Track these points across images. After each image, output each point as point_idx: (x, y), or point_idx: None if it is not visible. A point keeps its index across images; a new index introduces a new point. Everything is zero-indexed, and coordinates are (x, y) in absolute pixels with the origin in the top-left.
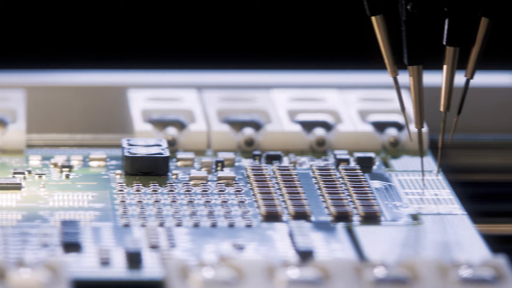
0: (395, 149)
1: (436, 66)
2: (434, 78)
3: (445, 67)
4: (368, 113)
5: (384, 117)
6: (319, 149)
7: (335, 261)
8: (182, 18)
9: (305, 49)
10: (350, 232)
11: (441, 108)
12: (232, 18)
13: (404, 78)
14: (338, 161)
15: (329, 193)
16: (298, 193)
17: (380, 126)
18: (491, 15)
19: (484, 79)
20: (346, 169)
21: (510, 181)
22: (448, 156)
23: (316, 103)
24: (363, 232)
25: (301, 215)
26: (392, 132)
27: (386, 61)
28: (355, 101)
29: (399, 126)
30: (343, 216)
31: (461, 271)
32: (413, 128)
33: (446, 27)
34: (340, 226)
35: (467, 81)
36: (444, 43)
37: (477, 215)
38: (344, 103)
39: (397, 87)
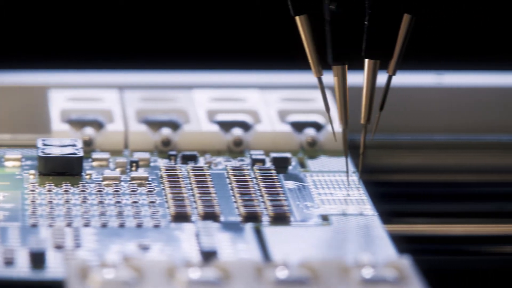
0: (312, 149)
1: (360, 65)
2: (358, 78)
3: (365, 79)
4: (288, 113)
5: (304, 117)
6: (236, 149)
7: (237, 261)
8: (106, 18)
9: (228, 49)
10: (258, 232)
11: (361, 121)
12: (155, 18)
13: (329, 78)
14: (254, 161)
15: (240, 193)
16: (209, 193)
17: (299, 126)
18: (413, 12)
19: (408, 79)
20: (260, 170)
21: (426, 181)
22: (366, 157)
23: (237, 103)
24: (271, 233)
25: (210, 216)
26: (310, 132)
27: (310, 61)
28: (276, 101)
29: (317, 126)
30: (252, 217)
31: (364, 271)
32: (337, 128)
33: (365, 38)
34: (249, 226)
35: (389, 78)
36: (363, 55)
37: (388, 215)
38: (264, 103)
39: (322, 87)
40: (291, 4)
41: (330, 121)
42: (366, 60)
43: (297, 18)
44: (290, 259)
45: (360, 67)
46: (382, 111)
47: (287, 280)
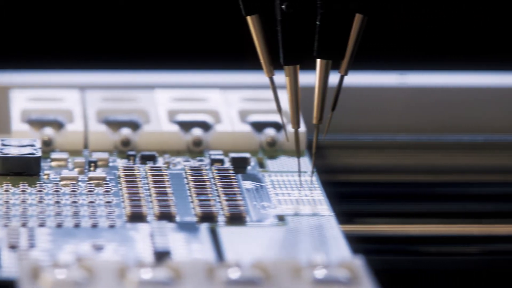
0: (272, 149)
1: (314, 66)
2: (312, 78)
3: (316, 79)
4: (248, 113)
5: (264, 117)
6: (196, 149)
7: (188, 261)
8: (68, 18)
9: (190, 49)
10: (213, 233)
11: (314, 121)
12: (117, 18)
13: (281, 78)
14: (213, 162)
15: (197, 193)
16: (166, 193)
17: (259, 126)
18: (364, 12)
19: (370, 78)
20: (218, 170)
21: (387, 181)
22: (326, 157)
23: (198, 103)
24: (227, 233)
25: (165, 216)
26: (270, 132)
27: (262, 61)
28: (237, 101)
29: (277, 127)
30: (208, 217)
31: (316, 272)
32: (290, 128)
33: (316, 38)
34: (204, 226)
35: (341, 78)
36: (315, 55)
37: (345, 215)
38: (225, 103)
39: (273, 88)
40: (242, 4)
41: (282, 122)
42: (318, 60)
43: (248, 18)
44: (242, 259)
45: (313, 67)
46: (344, 111)
47: (239, 280)
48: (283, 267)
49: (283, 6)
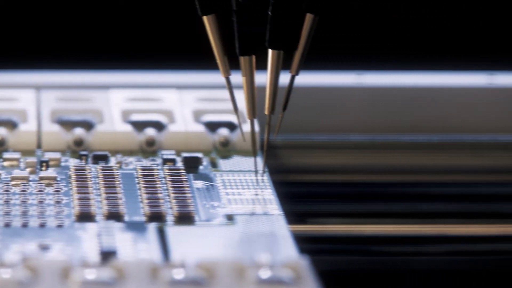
0: (225, 149)
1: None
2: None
3: (268, 70)
4: (203, 113)
5: (218, 117)
6: (148, 149)
7: (133, 261)
8: (23, 18)
9: (147, 48)
10: (161, 232)
11: (266, 112)
12: (73, 18)
13: (238, 78)
14: (165, 161)
15: (147, 193)
16: (115, 193)
17: (213, 126)
18: (315, 11)
19: (326, 78)
20: (170, 169)
21: (341, 181)
22: (279, 156)
23: (153, 103)
24: (174, 233)
25: (114, 215)
26: (223, 132)
27: (218, 61)
28: (192, 101)
29: (231, 126)
30: (156, 216)
31: (260, 272)
32: (246, 128)
33: (268, 29)
34: (152, 226)
35: (292, 78)
36: (267, 45)
37: (295, 215)
38: (180, 103)
39: (230, 88)
40: (199, 4)
41: (239, 122)
42: (270, 51)
43: (204, 18)
44: (187, 260)
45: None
46: (299, 111)
47: (183, 280)
48: (228, 267)
49: None
